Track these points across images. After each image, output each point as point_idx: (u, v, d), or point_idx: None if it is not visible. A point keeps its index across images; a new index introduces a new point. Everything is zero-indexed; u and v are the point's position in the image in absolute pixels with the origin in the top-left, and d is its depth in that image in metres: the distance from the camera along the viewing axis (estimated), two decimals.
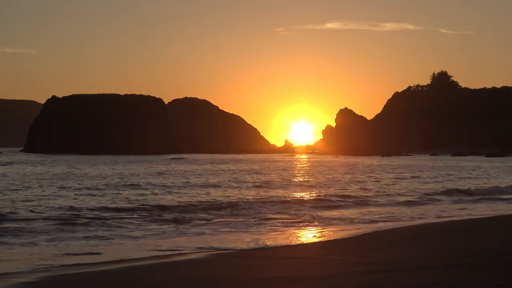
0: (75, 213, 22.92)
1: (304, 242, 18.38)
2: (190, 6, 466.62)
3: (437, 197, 34.49)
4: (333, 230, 20.90)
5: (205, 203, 27.78)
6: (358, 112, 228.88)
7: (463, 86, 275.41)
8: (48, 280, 11.76)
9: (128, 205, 25.98)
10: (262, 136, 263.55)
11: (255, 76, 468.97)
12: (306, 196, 33.04)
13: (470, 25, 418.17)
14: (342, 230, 20.99)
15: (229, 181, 45.53)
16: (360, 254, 14.29)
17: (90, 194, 31.37)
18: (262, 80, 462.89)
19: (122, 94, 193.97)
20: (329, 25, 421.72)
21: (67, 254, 15.13)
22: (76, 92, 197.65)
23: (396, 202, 30.94)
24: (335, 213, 26.23)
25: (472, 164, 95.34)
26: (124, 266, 13.58)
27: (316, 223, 22.75)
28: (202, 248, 16.35)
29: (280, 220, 23.12)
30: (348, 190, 37.21)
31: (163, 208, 25.36)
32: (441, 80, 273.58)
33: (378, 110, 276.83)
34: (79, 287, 11.41)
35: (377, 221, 23.22)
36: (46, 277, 12.10)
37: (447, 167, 79.63)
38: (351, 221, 23.39)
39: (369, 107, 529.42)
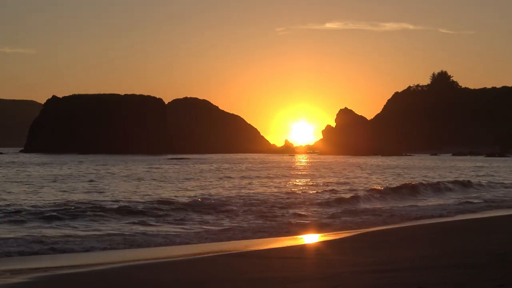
0: None
1: (305, 242, 18.40)
2: (191, 7, 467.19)
3: None
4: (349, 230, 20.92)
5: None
6: (358, 112, 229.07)
7: (463, 86, 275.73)
8: (46, 280, 11.74)
9: None
10: (262, 136, 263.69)
11: (255, 76, 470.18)
12: None
13: (470, 25, 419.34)
14: (343, 230, 21.01)
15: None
16: (360, 254, 14.28)
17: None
18: (262, 80, 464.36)
19: (122, 94, 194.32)
20: (329, 25, 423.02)
21: None
22: (76, 92, 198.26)
23: None
24: None
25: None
26: (122, 265, 13.56)
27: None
28: None
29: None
30: None
31: None
32: (441, 80, 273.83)
33: (378, 110, 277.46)
34: (76, 287, 11.39)
35: None
36: (43, 277, 12.08)
37: None
38: None
39: (369, 107, 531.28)
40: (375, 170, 70.49)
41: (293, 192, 35.23)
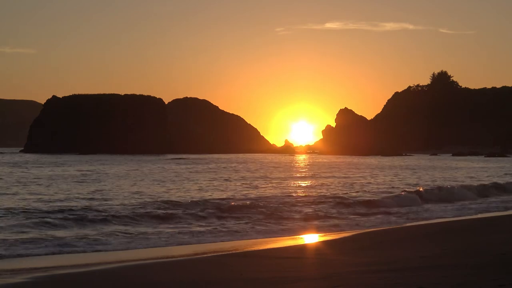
0: None
1: (304, 242, 18.40)
2: (190, 6, 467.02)
3: None
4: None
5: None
6: (358, 112, 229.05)
7: (463, 86, 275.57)
8: (46, 280, 11.74)
9: None
10: (262, 136, 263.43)
11: (255, 76, 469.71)
12: None
13: (470, 25, 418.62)
14: (343, 230, 21.02)
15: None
16: (360, 254, 14.28)
17: None
18: (262, 80, 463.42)
19: (122, 94, 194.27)
20: (328, 25, 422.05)
21: None
22: (76, 92, 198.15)
23: None
24: None
25: None
26: (122, 266, 13.56)
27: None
28: None
29: None
30: None
31: None
32: (441, 80, 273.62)
33: (378, 110, 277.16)
34: (76, 287, 11.39)
35: None
36: (43, 277, 12.08)
37: None
38: None
39: (369, 107, 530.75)
40: (382, 170, 70.48)
41: (299, 192, 35.22)
